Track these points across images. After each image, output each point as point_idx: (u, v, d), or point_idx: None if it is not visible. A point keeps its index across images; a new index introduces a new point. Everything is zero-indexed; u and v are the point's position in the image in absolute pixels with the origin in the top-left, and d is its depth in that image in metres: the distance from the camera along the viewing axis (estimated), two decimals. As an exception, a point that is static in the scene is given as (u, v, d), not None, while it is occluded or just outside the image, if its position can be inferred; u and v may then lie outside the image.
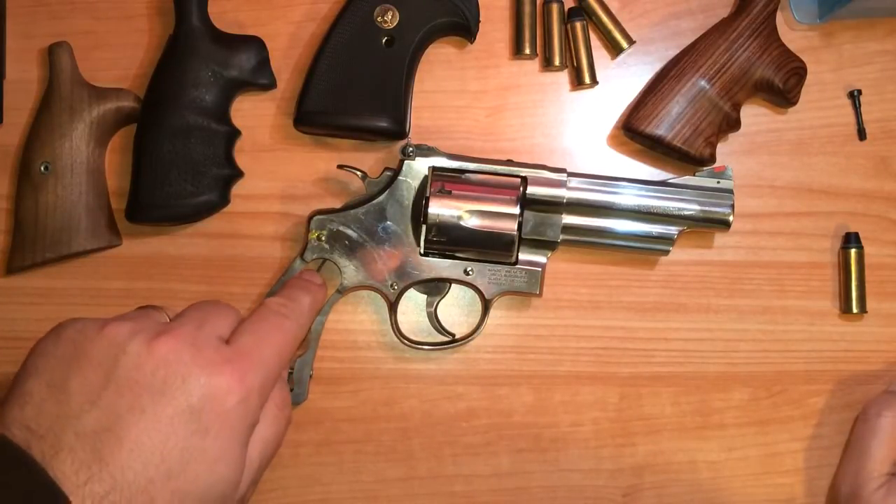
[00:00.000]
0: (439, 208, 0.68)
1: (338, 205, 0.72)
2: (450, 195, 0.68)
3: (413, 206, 0.70)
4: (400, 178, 0.70)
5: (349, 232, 0.70)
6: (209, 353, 0.50)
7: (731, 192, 0.70)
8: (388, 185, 0.71)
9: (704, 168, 0.72)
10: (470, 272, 0.71)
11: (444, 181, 0.69)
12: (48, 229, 0.71)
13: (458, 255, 0.70)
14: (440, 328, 0.73)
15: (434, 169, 0.70)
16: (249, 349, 0.53)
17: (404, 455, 0.74)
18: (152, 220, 0.72)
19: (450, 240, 0.69)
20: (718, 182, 0.70)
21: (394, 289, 0.71)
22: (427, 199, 0.68)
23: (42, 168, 0.71)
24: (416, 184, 0.70)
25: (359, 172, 0.71)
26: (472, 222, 0.68)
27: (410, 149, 0.70)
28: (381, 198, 0.70)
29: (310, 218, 0.71)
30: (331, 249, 0.70)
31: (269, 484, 0.73)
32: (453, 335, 0.73)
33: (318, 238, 0.70)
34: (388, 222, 0.70)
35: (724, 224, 0.70)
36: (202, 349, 0.50)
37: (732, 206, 0.70)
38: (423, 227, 0.69)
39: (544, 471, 0.74)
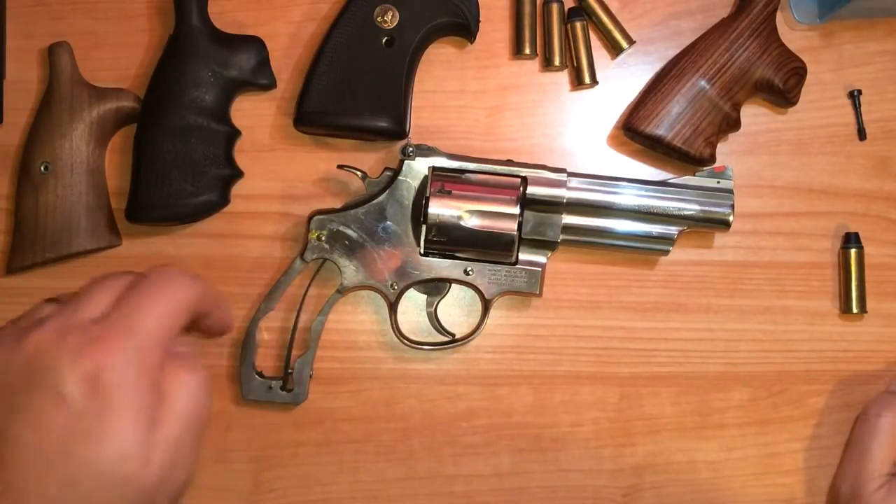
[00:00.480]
0: (439, 208, 0.68)
1: (338, 205, 0.72)
2: (450, 195, 0.68)
3: (413, 206, 0.70)
4: (400, 178, 0.70)
5: (349, 232, 0.70)
6: (73, 338, 0.50)
7: (731, 192, 0.70)
8: (388, 185, 0.71)
9: (704, 168, 0.72)
10: (470, 272, 0.71)
11: (444, 181, 0.69)
12: (48, 229, 0.71)
13: (458, 255, 0.70)
14: (440, 328, 0.73)
15: (434, 169, 0.69)
16: (122, 321, 0.51)
17: (404, 455, 0.74)
18: (152, 220, 0.72)
19: (450, 240, 0.69)
20: (718, 182, 0.70)
21: (394, 289, 0.71)
22: (427, 199, 0.68)
23: (42, 168, 0.71)
24: (416, 184, 0.70)
25: (359, 172, 0.71)
26: (472, 222, 0.68)
27: (410, 149, 0.70)
28: (381, 198, 0.70)
29: (310, 218, 0.71)
30: (331, 249, 0.70)
31: (269, 484, 0.73)
32: (453, 335, 0.73)
33: (318, 238, 0.70)
34: (388, 222, 0.70)
35: (724, 224, 0.70)
36: (67, 335, 0.50)
37: (732, 206, 0.70)
38: (423, 227, 0.69)
39: (544, 471, 0.74)
